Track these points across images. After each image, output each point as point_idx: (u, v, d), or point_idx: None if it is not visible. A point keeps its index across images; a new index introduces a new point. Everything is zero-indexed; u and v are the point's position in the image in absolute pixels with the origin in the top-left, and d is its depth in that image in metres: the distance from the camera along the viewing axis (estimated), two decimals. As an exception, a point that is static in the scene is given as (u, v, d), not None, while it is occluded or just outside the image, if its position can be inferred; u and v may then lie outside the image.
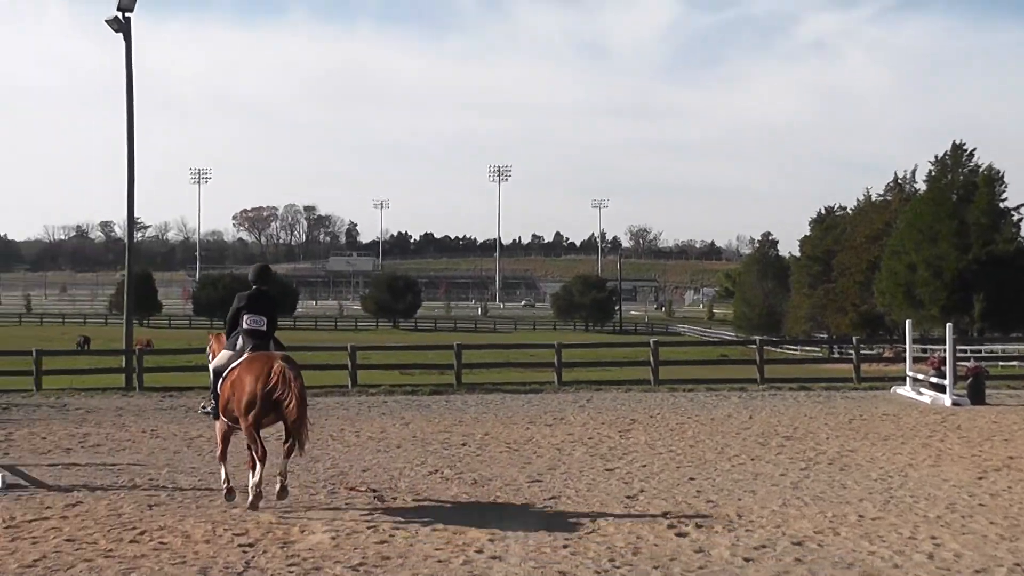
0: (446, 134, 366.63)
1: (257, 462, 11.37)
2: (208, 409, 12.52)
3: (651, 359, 29.11)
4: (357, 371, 28.57)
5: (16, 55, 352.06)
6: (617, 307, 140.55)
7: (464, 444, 17.47)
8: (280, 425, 11.41)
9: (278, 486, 11.23)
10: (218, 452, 12.29)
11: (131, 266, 36.58)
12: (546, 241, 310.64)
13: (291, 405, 10.90)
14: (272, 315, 12.03)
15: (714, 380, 29.19)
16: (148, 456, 16.21)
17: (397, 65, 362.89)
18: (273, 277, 12.81)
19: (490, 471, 14.60)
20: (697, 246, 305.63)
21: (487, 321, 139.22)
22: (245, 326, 11.88)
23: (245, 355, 11.65)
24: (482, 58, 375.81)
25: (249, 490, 11.52)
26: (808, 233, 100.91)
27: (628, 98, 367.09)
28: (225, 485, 11.92)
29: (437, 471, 14.60)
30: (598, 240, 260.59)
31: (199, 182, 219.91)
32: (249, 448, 11.45)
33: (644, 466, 15.04)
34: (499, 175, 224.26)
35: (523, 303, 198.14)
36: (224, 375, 11.72)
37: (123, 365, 31.14)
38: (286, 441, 11.23)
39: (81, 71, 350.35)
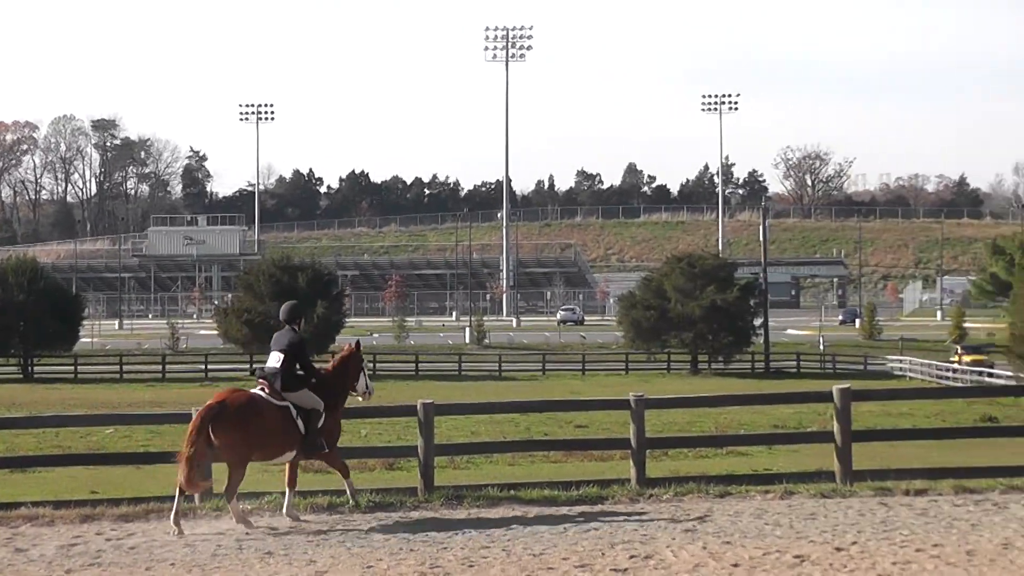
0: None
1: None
2: None
3: (835, 429, 15.08)
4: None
5: None
6: (758, 320, 67.40)
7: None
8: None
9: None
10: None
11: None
12: (606, 186, 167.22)
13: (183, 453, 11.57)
14: (290, 350, 12.16)
15: (972, 469, 15.28)
16: None
17: None
18: (301, 314, 12.94)
19: None
20: (929, 190, 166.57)
21: (484, 355, 71.20)
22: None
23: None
24: None
25: None
26: None
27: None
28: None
29: None
30: (717, 178, 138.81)
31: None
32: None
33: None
34: (507, 44, 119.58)
35: (560, 315, 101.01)
36: None
37: None
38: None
39: None
